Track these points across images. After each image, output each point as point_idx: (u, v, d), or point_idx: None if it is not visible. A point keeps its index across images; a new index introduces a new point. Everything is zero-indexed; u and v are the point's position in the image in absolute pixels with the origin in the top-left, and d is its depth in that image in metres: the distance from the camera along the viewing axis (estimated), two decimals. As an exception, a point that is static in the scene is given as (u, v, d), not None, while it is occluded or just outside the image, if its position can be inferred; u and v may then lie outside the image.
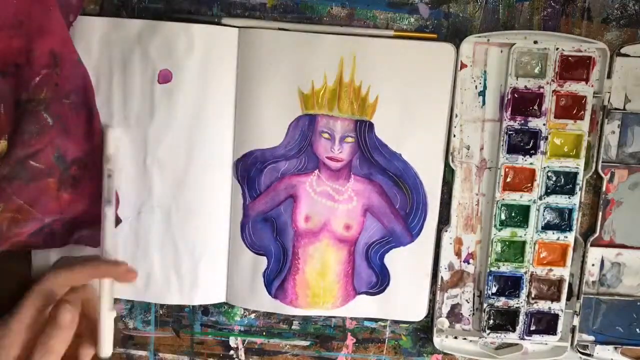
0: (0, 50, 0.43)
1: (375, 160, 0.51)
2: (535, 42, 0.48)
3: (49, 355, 0.44)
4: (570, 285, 0.52)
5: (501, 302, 0.52)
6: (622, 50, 0.49)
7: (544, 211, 0.50)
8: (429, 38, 0.49)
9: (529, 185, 0.50)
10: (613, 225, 0.52)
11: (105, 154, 0.48)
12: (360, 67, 0.49)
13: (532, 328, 0.53)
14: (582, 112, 0.49)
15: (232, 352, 0.56)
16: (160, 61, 0.49)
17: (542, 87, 0.48)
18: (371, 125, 0.50)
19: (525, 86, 0.49)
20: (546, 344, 0.54)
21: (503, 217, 0.51)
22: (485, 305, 0.52)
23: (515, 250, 0.52)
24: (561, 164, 0.49)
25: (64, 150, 0.46)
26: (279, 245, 0.52)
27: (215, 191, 0.52)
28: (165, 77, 0.49)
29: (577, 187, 0.50)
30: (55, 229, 0.49)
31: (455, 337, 0.54)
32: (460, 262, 0.53)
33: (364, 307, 0.54)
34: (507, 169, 0.50)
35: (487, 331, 0.53)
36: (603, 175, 0.51)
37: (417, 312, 0.53)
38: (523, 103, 0.49)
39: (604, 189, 0.51)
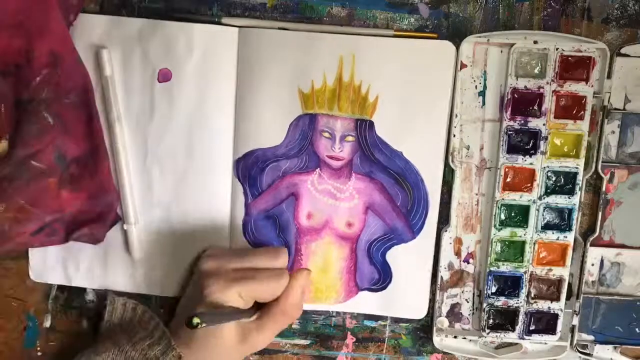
0: (1, 50, 0.43)
1: (376, 159, 0.51)
2: (535, 42, 0.48)
3: (287, 320, 0.50)
4: (569, 285, 0.52)
5: (501, 301, 0.52)
6: (622, 51, 0.49)
7: (544, 211, 0.51)
8: (429, 37, 0.49)
9: (529, 185, 0.50)
10: (613, 225, 0.52)
11: (103, 75, 0.49)
12: (360, 66, 0.49)
13: (532, 328, 0.53)
14: (582, 112, 0.49)
15: (232, 351, 0.57)
16: (160, 60, 0.49)
17: (542, 87, 0.48)
18: (371, 124, 0.50)
19: (525, 86, 0.49)
20: (546, 343, 0.54)
21: (503, 217, 0.51)
22: (484, 304, 0.52)
23: (515, 250, 0.52)
24: (561, 164, 0.50)
25: (64, 149, 0.46)
26: (282, 242, 0.53)
27: (216, 190, 0.52)
28: (165, 76, 0.50)
29: (577, 187, 0.50)
30: (55, 227, 0.49)
31: (455, 337, 0.54)
32: (460, 261, 0.53)
33: (367, 303, 0.54)
34: (507, 169, 0.50)
35: (487, 331, 0.53)
36: (603, 175, 0.51)
37: (420, 309, 0.54)
38: (523, 103, 0.49)
39: (603, 189, 0.51)
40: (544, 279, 0.52)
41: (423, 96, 0.49)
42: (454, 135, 0.50)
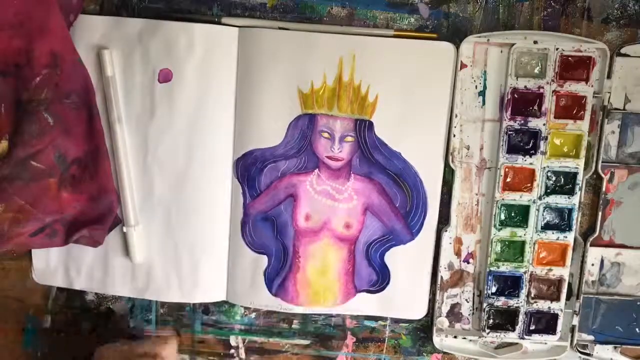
0: (0, 51, 0.43)
1: (375, 159, 0.51)
2: (535, 42, 0.48)
3: None
4: (569, 285, 0.52)
5: (501, 301, 0.52)
6: (622, 50, 0.49)
7: (544, 211, 0.51)
8: (429, 37, 0.49)
9: (529, 185, 0.50)
10: (613, 225, 0.52)
11: (104, 76, 0.49)
12: (359, 66, 0.49)
13: (532, 327, 0.53)
14: (582, 112, 0.49)
15: (232, 350, 0.57)
16: (160, 60, 0.49)
17: (542, 87, 0.48)
18: (371, 125, 0.50)
19: (525, 86, 0.49)
20: (546, 343, 0.54)
21: (503, 217, 0.51)
22: (485, 304, 0.52)
23: (515, 250, 0.52)
24: (561, 164, 0.50)
25: (65, 150, 0.46)
26: (280, 244, 0.53)
27: (216, 190, 0.52)
28: (165, 76, 0.49)
29: (577, 187, 0.50)
30: (55, 229, 0.49)
31: (455, 337, 0.54)
32: (460, 261, 0.53)
33: (365, 305, 0.54)
34: (506, 169, 0.50)
35: (487, 330, 0.53)
36: (603, 175, 0.51)
37: (418, 310, 0.54)
38: (523, 103, 0.49)
39: (603, 189, 0.51)
40: (544, 279, 0.52)
41: (422, 97, 0.49)
42: (454, 135, 0.50)
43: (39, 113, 0.45)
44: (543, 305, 0.52)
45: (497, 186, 0.50)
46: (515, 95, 0.49)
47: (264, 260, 0.53)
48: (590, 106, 0.49)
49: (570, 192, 0.50)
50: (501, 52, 0.49)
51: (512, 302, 0.52)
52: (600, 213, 0.51)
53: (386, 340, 0.56)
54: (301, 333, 0.56)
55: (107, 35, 0.49)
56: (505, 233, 0.51)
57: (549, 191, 0.50)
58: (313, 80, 0.49)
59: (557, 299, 0.52)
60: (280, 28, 0.49)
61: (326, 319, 0.55)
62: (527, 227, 0.51)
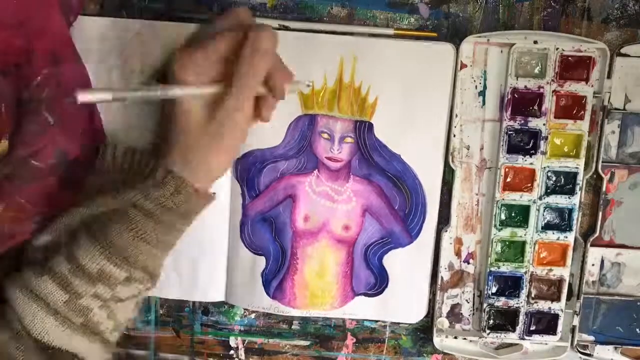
0: (1, 50, 0.43)
1: (374, 161, 0.51)
2: (535, 42, 0.48)
3: (253, 74, 0.41)
4: (570, 285, 0.52)
5: (501, 302, 0.52)
6: (622, 50, 0.49)
7: (544, 211, 0.50)
8: (429, 37, 0.49)
9: (529, 185, 0.50)
10: (613, 225, 0.52)
11: None
12: (360, 67, 0.49)
13: (532, 328, 0.53)
14: (582, 112, 0.49)
15: (232, 351, 0.57)
16: (159, 61, 0.49)
17: (542, 87, 0.48)
18: (370, 126, 0.50)
19: (525, 86, 0.49)
20: (546, 344, 0.54)
21: (503, 217, 0.51)
22: (485, 305, 0.52)
23: (515, 250, 0.52)
24: (561, 164, 0.49)
25: (65, 149, 0.46)
26: (278, 245, 0.52)
27: (214, 190, 0.52)
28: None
29: (577, 187, 0.50)
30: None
31: (455, 337, 0.54)
32: (460, 262, 0.53)
33: (363, 308, 0.54)
34: (507, 169, 0.50)
35: (487, 331, 0.53)
36: (603, 175, 0.51)
37: (415, 314, 0.53)
38: (523, 103, 0.49)
39: (604, 189, 0.51)
40: (545, 279, 0.52)
41: (422, 98, 0.49)
42: (454, 135, 0.50)
43: (39, 112, 0.45)
44: (543, 305, 0.52)
45: (497, 186, 0.50)
46: (516, 95, 0.49)
47: (262, 261, 0.53)
48: (591, 106, 0.49)
49: (571, 192, 0.50)
50: (501, 52, 0.49)
51: (513, 303, 0.52)
52: (600, 213, 0.51)
53: (386, 341, 0.56)
54: (301, 334, 0.56)
55: (106, 36, 0.49)
56: (506, 233, 0.51)
57: (549, 191, 0.50)
58: (314, 80, 0.49)
59: (558, 299, 0.52)
60: (280, 25, 0.49)
61: (326, 320, 0.55)
62: (527, 227, 0.51)
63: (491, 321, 0.53)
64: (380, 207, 0.52)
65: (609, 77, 0.49)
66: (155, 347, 0.57)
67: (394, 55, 0.49)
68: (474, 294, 0.54)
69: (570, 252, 0.51)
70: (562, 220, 0.51)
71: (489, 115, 0.50)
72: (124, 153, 0.47)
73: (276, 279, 0.53)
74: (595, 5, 0.49)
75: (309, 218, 0.52)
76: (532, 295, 0.52)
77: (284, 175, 0.51)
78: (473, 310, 0.54)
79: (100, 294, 0.41)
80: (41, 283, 0.40)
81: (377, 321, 0.55)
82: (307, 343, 0.56)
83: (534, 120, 0.49)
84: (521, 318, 0.52)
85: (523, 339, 0.52)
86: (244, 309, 0.55)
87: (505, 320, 0.53)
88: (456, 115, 0.50)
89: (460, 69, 0.49)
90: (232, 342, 0.56)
